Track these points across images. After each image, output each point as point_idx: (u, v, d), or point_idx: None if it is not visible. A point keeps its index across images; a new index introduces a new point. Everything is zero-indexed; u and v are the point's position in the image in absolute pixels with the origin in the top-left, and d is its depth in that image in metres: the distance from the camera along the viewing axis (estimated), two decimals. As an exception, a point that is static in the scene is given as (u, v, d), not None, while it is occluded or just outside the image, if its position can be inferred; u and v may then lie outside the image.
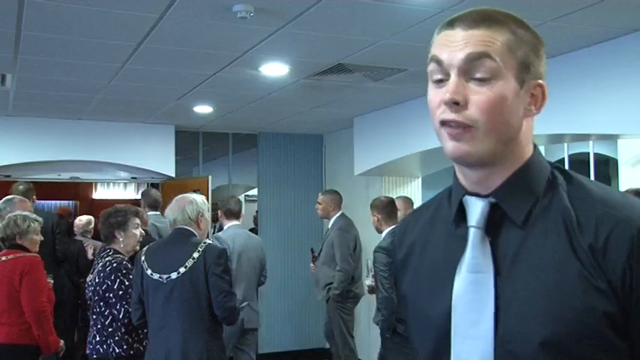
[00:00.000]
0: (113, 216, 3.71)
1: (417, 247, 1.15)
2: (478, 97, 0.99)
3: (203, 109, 6.46)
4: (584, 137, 5.39)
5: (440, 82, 1.03)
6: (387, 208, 5.06)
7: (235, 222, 5.38)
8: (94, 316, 3.58)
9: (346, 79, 5.13)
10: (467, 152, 1.01)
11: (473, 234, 1.04)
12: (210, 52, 4.35)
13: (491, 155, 1.01)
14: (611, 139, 6.04)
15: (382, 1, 3.40)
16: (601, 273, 0.94)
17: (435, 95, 1.04)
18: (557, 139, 5.45)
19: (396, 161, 6.26)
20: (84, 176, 7.70)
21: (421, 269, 1.12)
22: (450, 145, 1.02)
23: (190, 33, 3.92)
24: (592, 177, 6.57)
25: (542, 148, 5.69)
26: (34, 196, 5.82)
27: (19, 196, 5.10)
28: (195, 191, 6.60)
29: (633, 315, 0.94)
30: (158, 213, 5.83)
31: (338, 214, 6.05)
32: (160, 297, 3.29)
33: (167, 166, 7.40)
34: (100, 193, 13.20)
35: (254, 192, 9.66)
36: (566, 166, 6.73)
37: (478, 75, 1.00)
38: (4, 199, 5.01)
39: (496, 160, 1.03)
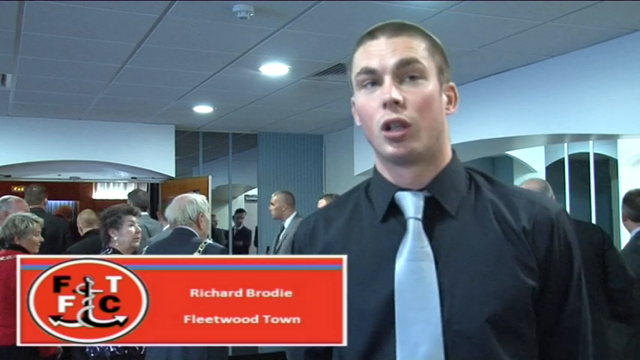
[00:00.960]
0: (108, 217, 3.76)
1: (336, 246, 1.17)
2: (412, 96, 1.08)
3: (203, 109, 6.47)
4: (584, 137, 5.39)
5: (372, 87, 1.10)
6: None
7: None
8: None
9: (346, 79, 5.11)
10: (410, 149, 1.08)
11: (412, 224, 1.10)
12: (210, 52, 4.35)
13: (428, 150, 1.10)
14: (611, 139, 6.05)
15: (382, 1, 3.40)
16: (531, 252, 1.08)
17: (369, 100, 1.10)
18: (557, 139, 5.46)
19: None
20: (84, 176, 7.70)
21: (348, 264, 1.12)
22: (392, 148, 1.09)
23: (190, 33, 3.93)
24: (592, 177, 6.58)
25: (542, 148, 5.68)
26: (45, 198, 5.88)
27: (15, 197, 5.09)
28: (195, 191, 6.62)
29: (547, 289, 1.09)
30: (147, 214, 5.82)
31: (293, 215, 5.88)
32: None
33: (167, 166, 7.40)
34: (100, 193, 13.20)
35: (254, 192, 9.67)
36: (566, 166, 6.74)
37: (409, 76, 1.09)
38: (0, 199, 5.01)
39: (429, 155, 1.11)
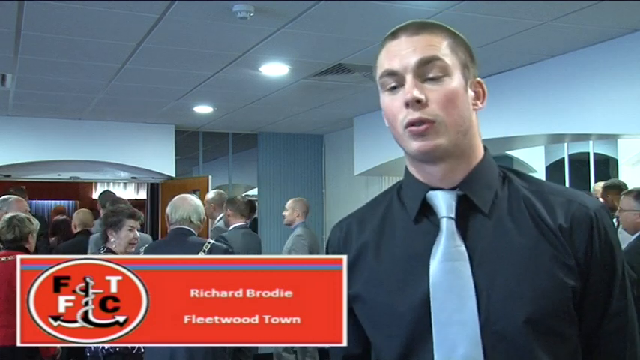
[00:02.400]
0: (110, 216, 3.76)
1: (371, 248, 1.17)
2: (435, 94, 1.07)
3: (203, 109, 6.47)
4: (584, 137, 5.40)
5: (394, 89, 1.10)
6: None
7: (241, 222, 5.31)
8: None
9: (346, 79, 5.13)
10: (434, 146, 1.07)
11: (446, 224, 1.08)
12: (210, 52, 4.35)
13: (454, 146, 1.09)
14: (611, 139, 6.05)
15: (382, 1, 3.40)
16: (570, 251, 1.05)
17: (393, 101, 1.10)
18: (557, 139, 5.46)
19: (396, 161, 6.26)
20: (84, 176, 7.70)
21: (380, 267, 1.14)
22: (417, 144, 1.08)
23: (190, 33, 3.93)
24: (592, 177, 6.58)
25: (542, 148, 5.68)
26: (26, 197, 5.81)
27: (15, 196, 5.09)
28: (194, 192, 6.62)
29: (589, 289, 1.06)
30: None
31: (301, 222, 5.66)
32: None
33: (167, 166, 7.40)
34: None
35: (254, 192, 9.67)
36: (566, 166, 6.74)
37: (431, 75, 1.08)
38: (0, 199, 5.01)
39: (458, 152, 1.10)
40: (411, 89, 1.06)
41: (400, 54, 1.09)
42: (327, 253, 1.25)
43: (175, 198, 3.66)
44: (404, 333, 1.08)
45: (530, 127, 4.79)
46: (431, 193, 1.11)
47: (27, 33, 3.92)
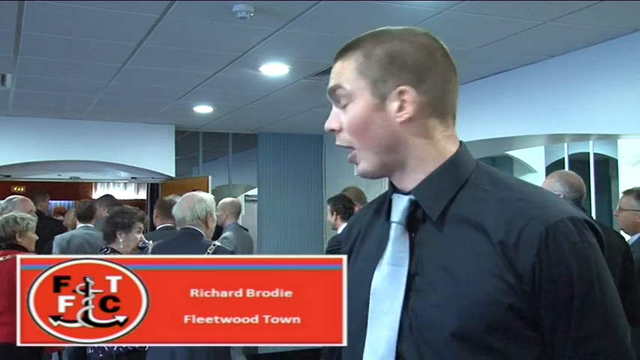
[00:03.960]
0: (119, 216, 3.71)
1: (358, 242, 1.23)
2: (345, 121, 1.11)
3: (203, 109, 6.47)
4: (584, 137, 5.40)
5: None
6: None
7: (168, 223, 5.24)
8: None
9: (346, 79, 5.12)
10: (362, 170, 1.13)
11: (394, 228, 1.10)
12: (210, 52, 4.35)
13: (379, 166, 1.12)
14: (611, 139, 6.05)
15: (382, 1, 3.40)
16: (510, 268, 0.99)
17: None
18: (557, 139, 5.46)
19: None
20: (84, 176, 7.70)
21: (355, 266, 1.18)
22: (356, 167, 1.14)
23: (190, 33, 3.93)
24: (592, 177, 6.57)
25: (542, 148, 5.68)
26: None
27: (20, 196, 5.11)
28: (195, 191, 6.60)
29: (542, 309, 0.99)
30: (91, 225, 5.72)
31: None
32: None
33: (167, 166, 7.40)
34: (100, 193, 13.17)
35: (254, 192, 9.67)
36: (566, 166, 6.74)
37: (341, 103, 1.12)
38: (6, 198, 5.03)
39: (391, 167, 1.12)
40: (329, 120, 1.13)
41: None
42: (334, 243, 1.31)
43: (183, 196, 3.64)
44: (354, 322, 1.09)
45: (530, 127, 4.79)
46: (393, 196, 1.14)
47: (27, 33, 3.92)
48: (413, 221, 1.09)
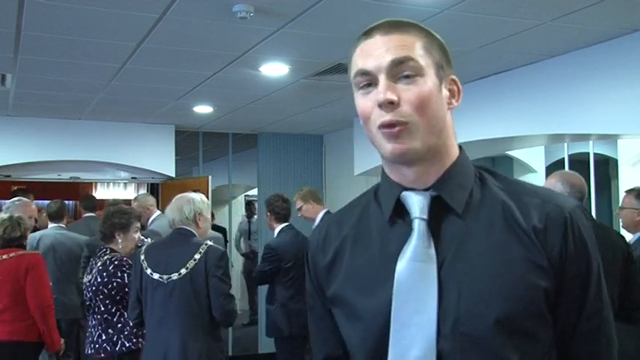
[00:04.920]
0: (116, 216, 3.72)
1: (347, 249, 1.17)
2: (408, 94, 1.06)
3: (203, 109, 6.47)
4: (584, 137, 5.39)
5: (368, 89, 1.09)
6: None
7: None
8: (98, 316, 3.59)
9: (346, 79, 5.07)
10: (407, 148, 1.06)
11: (418, 225, 1.08)
12: (210, 52, 4.35)
13: (428, 148, 1.08)
14: (611, 139, 6.05)
15: (382, 1, 3.40)
16: (543, 252, 1.05)
17: (366, 101, 1.09)
18: (557, 139, 5.45)
19: (396, 161, 6.24)
20: (84, 176, 7.70)
21: (354, 268, 1.14)
22: (390, 146, 1.07)
23: (190, 33, 3.92)
24: (592, 177, 6.58)
25: (542, 148, 5.69)
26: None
27: (24, 199, 5.14)
28: (195, 191, 6.61)
29: (565, 290, 1.06)
30: (62, 225, 5.75)
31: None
32: (159, 297, 3.30)
33: (167, 166, 7.40)
34: (100, 193, 13.17)
35: (254, 192, 9.67)
36: (566, 166, 6.74)
37: (404, 75, 1.07)
38: (10, 200, 5.06)
39: (432, 153, 1.09)
40: (384, 90, 1.05)
41: (373, 54, 1.08)
42: (306, 256, 1.26)
43: (174, 198, 3.65)
44: (370, 332, 1.08)
45: (530, 127, 4.78)
46: (405, 194, 1.11)
47: (27, 33, 3.92)
48: (432, 217, 1.09)
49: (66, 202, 12.82)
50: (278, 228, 5.05)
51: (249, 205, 10.69)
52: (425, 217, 1.08)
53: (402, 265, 1.07)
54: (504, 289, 1.03)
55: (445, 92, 1.11)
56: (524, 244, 1.05)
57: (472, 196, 1.10)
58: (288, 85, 5.33)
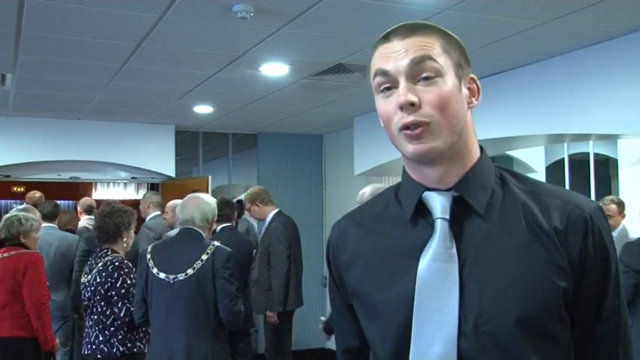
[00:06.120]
0: (120, 215, 3.69)
1: (367, 246, 1.19)
2: (429, 95, 1.07)
3: (203, 109, 6.47)
4: (584, 137, 5.39)
5: (388, 91, 1.10)
6: None
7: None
8: (95, 317, 3.58)
9: (346, 79, 5.13)
10: (429, 148, 1.07)
11: (440, 225, 1.09)
12: (210, 52, 4.35)
13: (450, 147, 1.08)
14: (611, 139, 6.05)
15: (382, 1, 3.40)
16: (563, 252, 1.06)
17: (387, 104, 1.10)
18: (557, 139, 5.46)
19: (396, 161, 6.26)
20: (84, 176, 7.70)
21: (375, 265, 1.16)
22: (412, 146, 1.08)
23: (190, 33, 3.93)
24: (592, 177, 6.58)
25: (542, 148, 5.69)
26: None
27: (29, 206, 5.17)
28: (194, 192, 6.61)
29: (583, 290, 1.07)
30: (54, 225, 5.74)
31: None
32: (165, 297, 3.28)
33: (167, 166, 7.40)
34: (100, 193, 13.17)
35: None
36: (566, 166, 6.74)
37: (424, 76, 1.07)
38: (15, 209, 5.08)
39: (453, 152, 1.10)
40: (405, 92, 1.06)
41: (392, 56, 1.09)
42: (328, 251, 1.27)
43: (187, 197, 3.64)
44: (392, 329, 1.10)
45: (530, 127, 4.79)
46: (426, 194, 1.12)
47: (27, 33, 3.92)
48: (453, 218, 1.10)
49: (65, 202, 12.85)
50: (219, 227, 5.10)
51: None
52: (447, 217, 1.09)
53: (423, 264, 1.08)
54: (525, 290, 1.04)
55: (465, 91, 1.12)
56: (544, 244, 1.06)
57: (493, 196, 1.11)
58: (288, 85, 5.33)
